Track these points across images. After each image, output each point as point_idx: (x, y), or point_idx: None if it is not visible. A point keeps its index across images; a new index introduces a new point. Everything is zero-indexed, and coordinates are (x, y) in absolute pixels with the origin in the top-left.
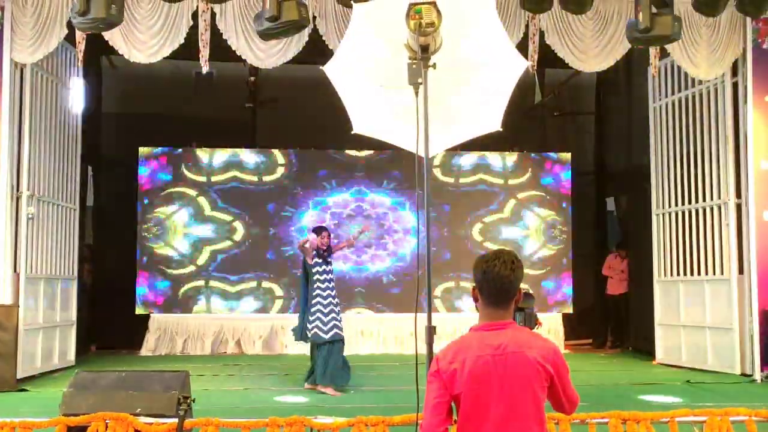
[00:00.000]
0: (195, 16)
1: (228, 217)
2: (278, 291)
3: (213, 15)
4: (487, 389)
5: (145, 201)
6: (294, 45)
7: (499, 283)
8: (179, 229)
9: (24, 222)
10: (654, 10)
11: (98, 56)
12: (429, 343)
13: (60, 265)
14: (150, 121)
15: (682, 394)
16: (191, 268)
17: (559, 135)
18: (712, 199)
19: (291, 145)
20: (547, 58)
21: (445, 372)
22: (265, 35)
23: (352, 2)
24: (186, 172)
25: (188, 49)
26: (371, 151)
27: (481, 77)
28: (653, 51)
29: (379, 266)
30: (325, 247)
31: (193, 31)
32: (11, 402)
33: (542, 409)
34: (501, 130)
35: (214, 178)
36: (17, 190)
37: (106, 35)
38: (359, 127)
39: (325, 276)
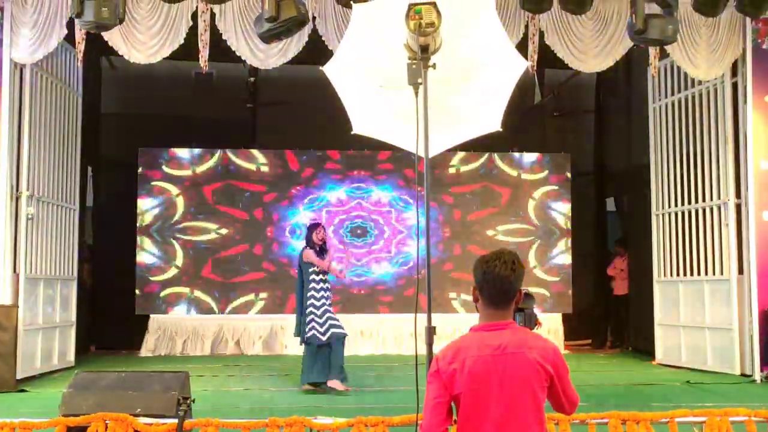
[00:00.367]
0: (195, 16)
1: (228, 218)
2: (278, 291)
3: (213, 15)
4: (487, 389)
5: (144, 201)
6: (294, 45)
7: (499, 284)
8: (177, 229)
9: (23, 222)
10: (657, 10)
11: (98, 56)
12: (429, 343)
13: (59, 266)
14: (150, 122)
15: (682, 394)
16: (190, 268)
17: (559, 135)
18: (711, 199)
19: (291, 146)
20: (547, 58)
21: (445, 372)
22: (267, 37)
23: (351, 3)
24: (186, 173)
25: (188, 50)
26: (371, 152)
27: (480, 77)
28: (653, 51)
29: (381, 266)
30: (321, 242)
31: (193, 31)
32: (11, 402)
33: (542, 409)
34: (501, 130)
35: (214, 179)
36: (17, 190)
37: (106, 35)
38: (359, 128)
39: (321, 276)
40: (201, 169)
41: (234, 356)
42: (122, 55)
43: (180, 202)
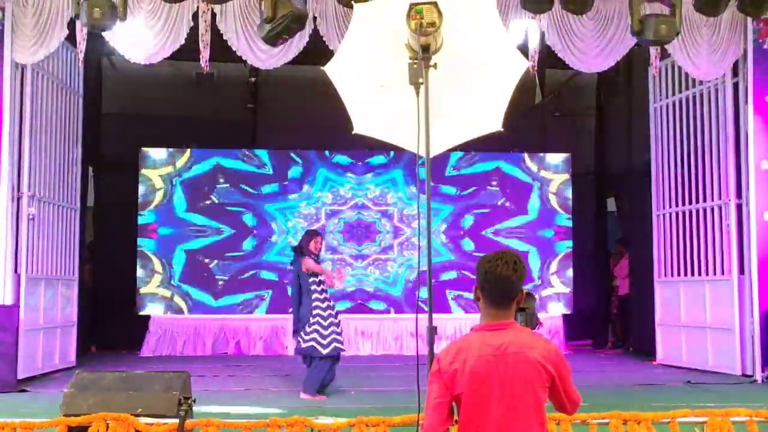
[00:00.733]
0: (195, 16)
1: (228, 218)
2: (279, 292)
3: (213, 16)
4: (488, 389)
5: (145, 201)
6: (295, 45)
7: (500, 284)
8: (177, 230)
9: (25, 222)
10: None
11: (99, 57)
12: (430, 343)
13: (61, 266)
14: (150, 122)
15: (683, 394)
16: (191, 269)
17: (560, 135)
18: (712, 199)
19: (292, 146)
20: (548, 58)
21: (446, 372)
22: (270, 39)
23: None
24: (187, 173)
25: (189, 50)
26: (372, 151)
27: (481, 77)
28: (654, 51)
29: (382, 267)
30: (317, 253)
31: (194, 31)
32: (12, 402)
33: (543, 409)
34: (502, 130)
35: (215, 179)
36: (18, 190)
37: (107, 36)
38: (360, 128)
39: (322, 286)
40: (202, 169)
41: (235, 356)
42: (123, 56)
43: (181, 202)
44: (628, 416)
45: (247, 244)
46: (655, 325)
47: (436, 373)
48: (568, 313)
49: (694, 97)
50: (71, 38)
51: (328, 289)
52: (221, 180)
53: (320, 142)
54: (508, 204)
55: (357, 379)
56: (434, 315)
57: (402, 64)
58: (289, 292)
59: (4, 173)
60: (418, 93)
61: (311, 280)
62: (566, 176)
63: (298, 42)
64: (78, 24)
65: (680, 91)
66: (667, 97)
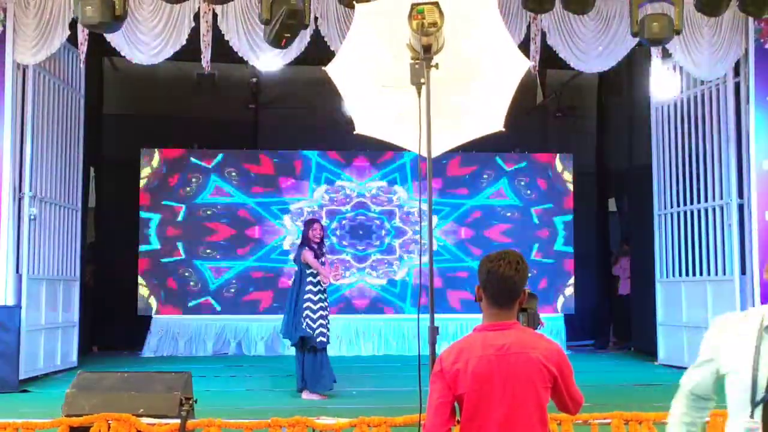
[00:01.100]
0: (197, 17)
1: (229, 218)
2: (280, 292)
3: (215, 16)
4: (490, 389)
5: (146, 202)
6: (296, 46)
7: (503, 284)
8: (179, 230)
9: (26, 223)
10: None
11: (100, 57)
12: (432, 343)
13: (62, 266)
14: (152, 123)
15: None
16: (193, 269)
17: (561, 135)
18: (714, 199)
19: (293, 146)
20: (549, 58)
21: (449, 372)
22: (273, 41)
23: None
24: (187, 174)
25: (190, 51)
26: (374, 152)
27: (483, 77)
28: (655, 51)
29: (384, 267)
30: (318, 240)
31: (195, 32)
32: (14, 403)
33: (545, 409)
34: (504, 130)
35: (216, 180)
36: (20, 191)
37: (108, 36)
38: (362, 128)
39: (318, 278)
40: (203, 169)
41: (236, 357)
42: (124, 56)
43: (181, 202)
44: (629, 416)
45: (248, 245)
46: (657, 326)
47: (439, 373)
48: (570, 313)
49: (696, 97)
50: (73, 39)
51: (323, 283)
52: (222, 180)
53: (322, 142)
54: (509, 204)
55: (359, 379)
56: (436, 315)
57: (403, 64)
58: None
59: (5, 174)
60: (419, 93)
61: (309, 270)
62: (567, 176)
63: (299, 42)
64: (79, 25)
65: (681, 91)
66: (668, 97)
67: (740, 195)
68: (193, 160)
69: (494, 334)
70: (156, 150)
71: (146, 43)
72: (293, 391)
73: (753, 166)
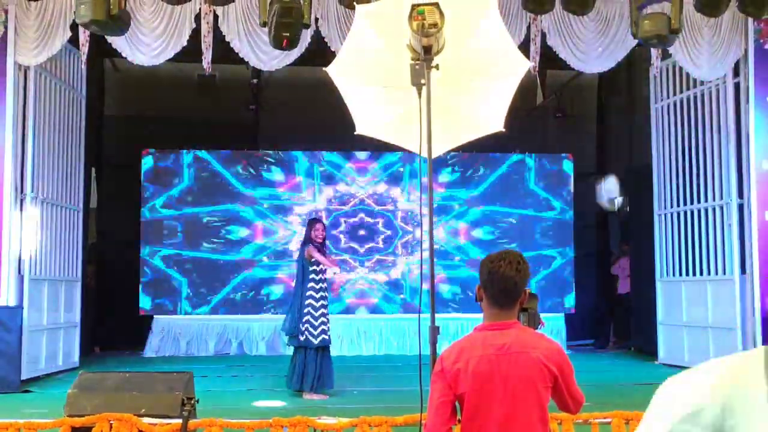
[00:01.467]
0: (198, 18)
1: (231, 219)
2: (281, 292)
3: (216, 17)
4: (491, 389)
5: (147, 203)
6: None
7: (503, 284)
8: (180, 231)
9: (28, 224)
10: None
11: (101, 58)
12: (433, 343)
13: (64, 267)
14: (152, 124)
15: None
16: (194, 269)
17: (561, 136)
18: (714, 199)
19: (294, 148)
20: (549, 59)
21: (449, 372)
22: (275, 42)
23: (354, 3)
24: (188, 174)
25: (191, 52)
26: (375, 152)
27: (483, 78)
28: (655, 52)
29: (385, 267)
30: (320, 240)
31: (196, 33)
32: (16, 403)
33: (545, 409)
34: (504, 130)
35: (217, 181)
36: (21, 192)
37: (109, 38)
38: (362, 128)
39: (321, 276)
40: (204, 171)
41: (237, 357)
42: (125, 57)
43: (182, 203)
44: (630, 416)
45: (249, 246)
46: (657, 325)
47: (439, 373)
48: (571, 313)
49: (695, 98)
50: (74, 40)
51: (326, 279)
52: (223, 181)
53: (322, 143)
54: (509, 205)
55: (359, 378)
56: (436, 315)
57: (404, 65)
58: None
59: (7, 174)
60: (420, 94)
61: (311, 268)
62: (567, 177)
63: (300, 43)
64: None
65: (681, 92)
66: (668, 98)
67: (740, 195)
68: (193, 160)
69: (495, 333)
70: (157, 151)
71: (147, 44)
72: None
73: (753, 166)
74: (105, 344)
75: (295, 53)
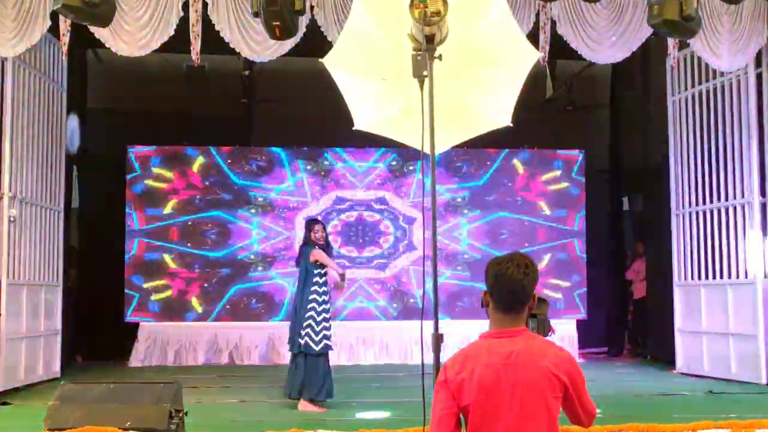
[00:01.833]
0: (186, 6)
1: (221, 219)
2: (276, 297)
3: (204, 5)
4: (497, 400)
5: (133, 202)
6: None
7: (511, 288)
8: (168, 232)
9: (5, 225)
10: None
11: (83, 49)
12: (436, 351)
13: (44, 271)
14: (138, 118)
15: (704, 404)
16: (183, 273)
17: (572, 130)
18: (735, 197)
19: (288, 143)
20: (559, 48)
21: (453, 382)
22: (270, 32)
23: None
24: (177, 172)
25: (179, 42)
26: (374, 149)
27: (490, 70)
28: (672, 41)
29: (385, 269)
30: (322, 242)
31: (184, 22)
32: None
33: (556, 421)
34: (511, 125)
35: (207, 178)
36: None
37: (92, 27)
38: (361, 123)
39: (325, 279)
40: (193, 168)
41: (229, 366)
42: (109, 48)
43: (171, 203)
44: (645, 428)
45: (241, 245)
46: (675, 332)
47: (443, 383)
48: (583, 318)
49: (715, 89)
50: (55, 30)
51: (326, 281)
52: (214, 178)
53: (318, 139)
54: (518, 203)
55: (359, 389)
56: (440, 321)
57: (405, 55)
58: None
59: None
60: (422, 86)
61: (315, 272)
62: (579, 174)
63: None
64: (61, 15)
65: (700, 83)
66: (686, 90)
67: (762, 193)
68: (182, 157)
69: (501, 341)
70: (143, 147)
71: (132, 33)
72: (290, 402)
73: None
74: (88, 353)
75: (289, 43)
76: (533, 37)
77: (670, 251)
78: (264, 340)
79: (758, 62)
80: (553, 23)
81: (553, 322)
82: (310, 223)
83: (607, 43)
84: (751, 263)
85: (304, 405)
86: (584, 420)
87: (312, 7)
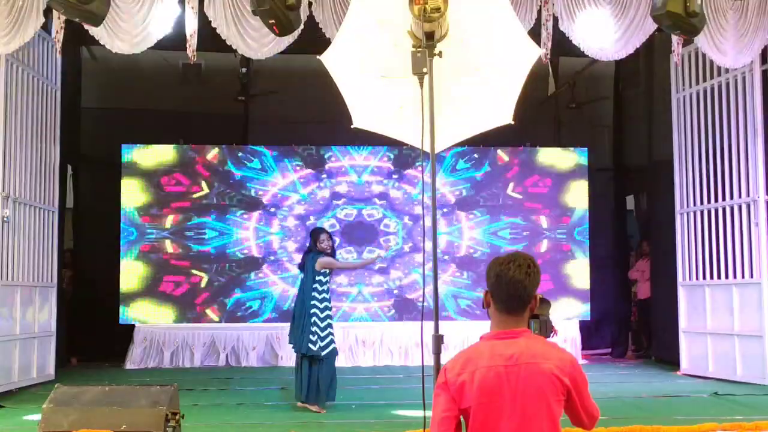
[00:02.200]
0: (182, 2)
1: (219, 219)
2: (274, 298)
3: (201, 2)
4: (499, 403)
5: (128, 202)
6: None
7: (512, 288)
8: (164, 232)
9: None
10: None
11: (78, 47)
12: (436, 353)
13: (38, 272)
14: (134, 117)
15: (709, 406)
16: (179, 274)
17: (575, 129)
18: (740, 196)
19: (286, 142)
20: (562, 45)
21: (453, 384)
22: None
23: None
24: (173, 171)
25: (175, 39)
26: (373, 147)
27: (491, 67)
28: (676, 37)
29: (385, 270)
30: (329, 251)
31: (180, 18)
32: None
33: (558, 424)
34: (513, 123)
35: (203, 178)
36: None
37: (86, 25)
38: (360, 122)
39: (326, 286)
40: (190, 167)
41: (226, 368)
42: (104, 45)
43: (167, 202)
44: (650, 430)
45: (239, 245)
46: (679, 332)
47: (443, 385)
48: (586, 319)
49: (720, 87)
50: (48, 27)
51: (329, 288)
52: (210, 178)
53: (317, 137)
54: (519, 202)
55: (358, 391)
56: (441, 322)
57: (404, 52)
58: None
59: None
60: (421, 84)
61: (317, 278)
62: (582, 172)
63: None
64: (55, 12)
65: (705, 80)
66: (690, 87)
67: None
68: (178, 156)
69: (502, 343)
70: (138, 146)
71: (127, 30)
72: (288, 404)
73: None
74: (82, 355)
75: (286, 40)
76: (535, 34)
77: (675, 251)
78: (261, 341)
79: (764, 59)
80: (555, 19)
81: (555, 323)
82: (316, 232)
83: (610, 39)
84: (756, 263)
85: (310, 407)
86: (586, 423)
87: (310, 4)
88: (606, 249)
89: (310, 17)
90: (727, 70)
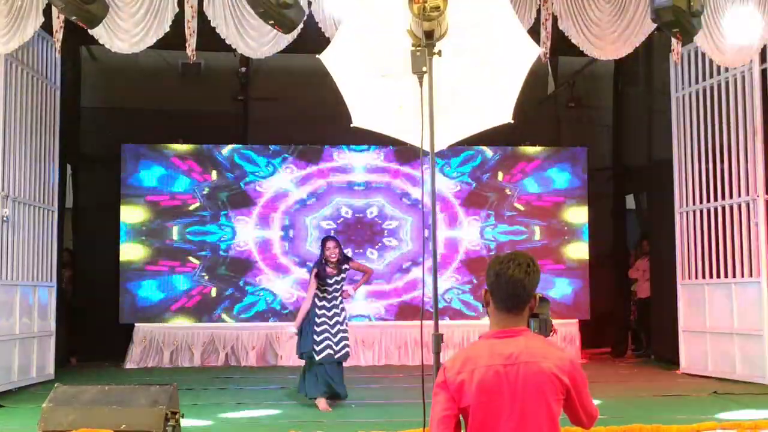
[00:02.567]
0: (181, 2)
1: (218, 219)
2: (273, 298)
3: (200, 1)
4: (498, 402)
5: (128, 201)
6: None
7: (512, 287)
8: (163, 232)
9: None
10: None
11: (77, 46)
12: (436, 352)
13: (38, 271)
14: (133, 116)
15: (709, 405)
16: (178, 274)
17: (574, 127)
18: (739, 195)
19: (285, 141)
20: (561, 44)
21: (453, 383)
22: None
23: None
24: (173, 171)
25: (174, 38)
26: (373, 146)
27: (490, 66)
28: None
29: (385, 270)
30: (334, 258)
31: (179, 18)
32: None
33: (557, 423)
34: (512, 122)
35: (203, 177)
36: None
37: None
38: (359, 121)
39: (324, 294)
40: (189, 166)
41: (225, 368)
42: (103, 45)
43: (166, 203)
44: (649, 429)
45: (238, 245)
46: (679, 332)
47: (442, 384)
48: (585, 318)
49: (720, 86)
50: (48, 26)
51: (333, 296)
52: (209, 177)
53: (316, 136)
54: (519, 202)
55: (358, 391)
56: (440, 321)
57: (404, 51)
58: None
59: None
60: (421, 83)
61: (318, 286)
62: (582, 172)
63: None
64: (54, 11)
65: (704, 79)
66: (690, 86)
67: (767, 190)
68: (178, 156)
69: (502, 342)
70: (138, 145)
71: (126, 30)
72: (288, 404)
73: None
74: (82, 355)
75: (286, 39)
76: (534, 33)
77: (674, 250)
78: (261, 341)
79: (763, 58)
80: (555, 18)
81: (555, 322)
82: (324, 240)
83: (609, 38)
84: (755, 262)
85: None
86: (585, 422)
87: (310, 3)
88: (605, 248)
89: (310, 17)
90: (726, 69)
